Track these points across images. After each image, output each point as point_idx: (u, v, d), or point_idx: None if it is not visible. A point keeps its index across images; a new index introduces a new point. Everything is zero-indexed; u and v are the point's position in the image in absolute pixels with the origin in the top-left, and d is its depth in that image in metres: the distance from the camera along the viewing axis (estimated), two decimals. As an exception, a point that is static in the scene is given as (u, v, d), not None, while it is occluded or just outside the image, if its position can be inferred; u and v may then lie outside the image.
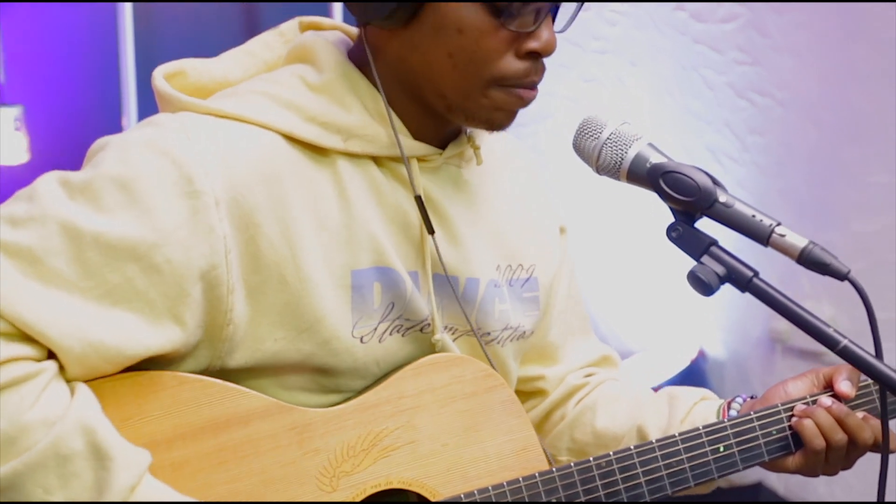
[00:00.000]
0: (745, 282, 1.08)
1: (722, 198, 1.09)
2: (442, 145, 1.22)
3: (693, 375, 3.07)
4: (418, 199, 1.17)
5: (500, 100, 1.15)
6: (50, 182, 1.04)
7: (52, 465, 0.96)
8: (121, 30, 3.02)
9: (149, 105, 3.07)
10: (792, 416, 1.26)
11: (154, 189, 1.04)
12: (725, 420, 1.26)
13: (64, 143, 3.08)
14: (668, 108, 3.14)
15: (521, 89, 1.15)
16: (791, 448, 1.26)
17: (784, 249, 1.06)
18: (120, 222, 1.02)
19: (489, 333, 1.28)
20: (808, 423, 1.24)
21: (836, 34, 2.71)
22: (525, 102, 1.16)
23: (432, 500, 1.16)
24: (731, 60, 2.96)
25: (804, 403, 1.27)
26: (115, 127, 3.07)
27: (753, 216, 1.08)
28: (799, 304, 1.07)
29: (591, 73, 3.26)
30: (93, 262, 1.01)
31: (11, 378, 0.98)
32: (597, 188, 3.18)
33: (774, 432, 1.26)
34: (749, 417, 1.26)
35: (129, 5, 3.02)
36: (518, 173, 1.37)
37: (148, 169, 1.04)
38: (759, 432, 1.25)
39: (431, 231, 1.18)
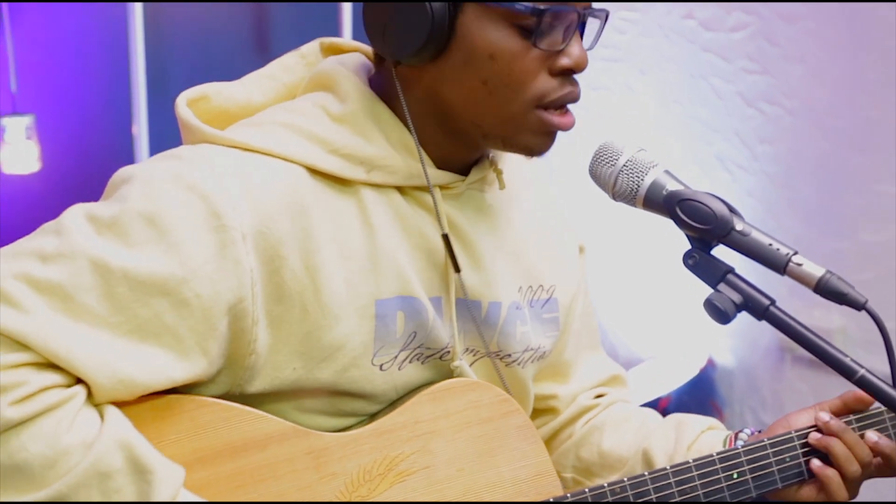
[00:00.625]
0: (761, 310, 1.08)
1: (738, 226, 1.09)
2: (465, 171, 1.22)
3: (702, 384, 3.07)
4: (445, 238, 1.18)
5: (539, 123, 1.14)
6: (77, 217, 1.05)
7: (95, 483, 0.98)
8: (131, 37, 3.03)
9: (159, 114, 3.09)
10: (806, 443, 1.26)
11: (182, 224, 1.04)
12: (740, 447, 1.26)
13: (75, 153, 3.09)
14: (677, 116, 3.14)
15: (558, 113, 1.15)
16: (805, 476, 1.26)
17: (801, 278, 1.07)
18: (148, 258, 1.03)
19: (510, 355, 1.29)
20: (835, 442, 1.24)
21: (846, 43, 2.71)
22: (565, 126, 1.16)
23: (447, 524, 1.17)
24: (740, 69, 2.96)
25: (817, 431, 1.27)
26: (126, 136, 3.08)
27: (770, 245, 1.08)
28: (816, 333, 1.08)
29: (599, 82, 3.26)
30: (123, 297, 1.02)
31: (47, 405, 0.99)
32: (606, 198, 3.18)
33: (788, 459, 1.26)
34: (762, 444, 1.26)
35: (139, 7, 3.03)
36: (537, 193, 1.38)
37: (175, 204, 1.05)
38: (772, 459, 1.26)
39: (458, 269, 1.19)
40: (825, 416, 1.26)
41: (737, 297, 1.09)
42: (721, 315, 1.08)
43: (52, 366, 1.00)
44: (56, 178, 3.02)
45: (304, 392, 1.15)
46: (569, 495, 1.19)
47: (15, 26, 2.96)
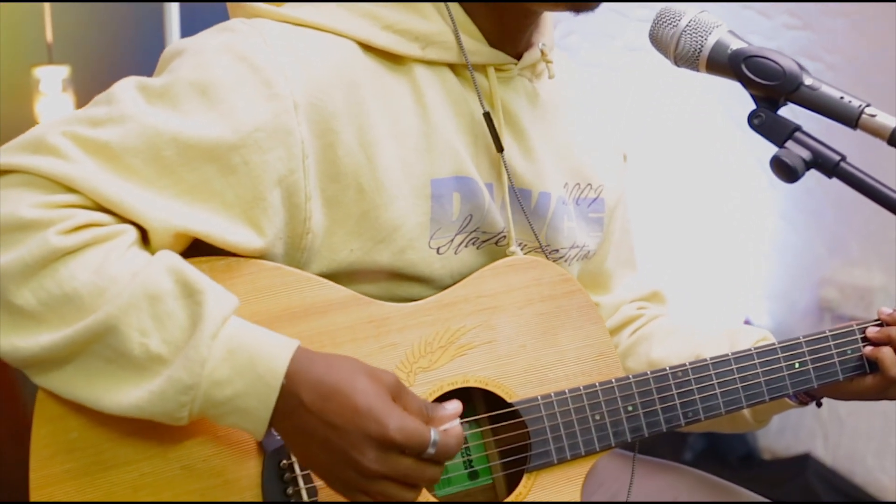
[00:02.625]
0: (832, 166, 1.05)
1: (807, 80, 1.06)
2: (517, 57, 1.21)
3: (738, 345, 3.03)
4: (486, 116, 1.16)
5: None
6: (128, 87, 1.04)
7: (145, 306, 0.95)
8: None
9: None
10: (865, 337, 1.25)
11: (233, 93, 1.03)
12: (801, 337, 1.24)
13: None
14: (715, 75, 3.11)
15: None
16: (866, 369, 1.25)
17: (874, 130, 1.04)
18: (198, 123, 1.01)
19: (557, 251, 1.27)
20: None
21: (889, -4, 2.68)
22: None
23: (509, 400, 1.14)
24: (781, 25, 2.93)
25: (877, 325, 1.25)
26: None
27: (842, 98, 1.05)
28: (892, 188, 1.04)
29: (636, 42, 3.23)
30: (170, 161, 1.01)
31: (96, 236, 0.97)
32: (642, 159, 3.15)
33: (849, 352, 1.25)
34: (824, 335, 1.25)
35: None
36: (587, 95, 1.37)
37: (226, 74, 1.03)
38: (833, 351, 1.24)
39: (500, 149, 1.17)
40: (888, 309, 1.25)
41: (806, 154, 1.05)
42: (789, 172, 1.05)
43: (102, 209, 0.99)
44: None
45: (362, 275, 1.12)
46: (631, 377, 1.17)
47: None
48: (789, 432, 3.02)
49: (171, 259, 0.99)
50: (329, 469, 0.98)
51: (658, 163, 3.14)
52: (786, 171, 1.05)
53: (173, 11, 3.00)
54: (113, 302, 0.95)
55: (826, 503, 2.78)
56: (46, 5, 2.90)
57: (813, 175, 2.99)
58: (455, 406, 1.01)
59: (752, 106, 1.09)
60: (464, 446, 1.20)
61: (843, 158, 1.05)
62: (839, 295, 2.87)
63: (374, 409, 0.95)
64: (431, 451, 0.96)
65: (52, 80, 2.91)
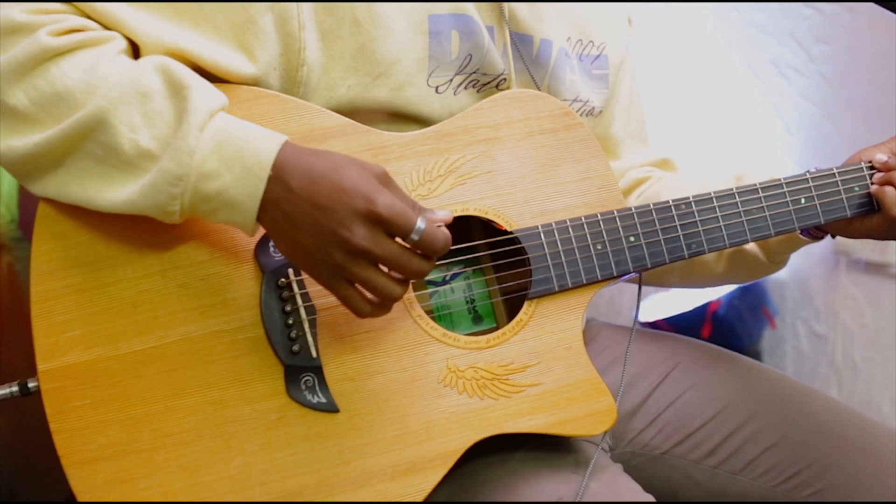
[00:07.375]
0: None
1: None
2: None
3: (752, 293, 3.00)
4: None
5: None
6: None
7: (135, 102, 0.96)
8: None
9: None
10: (874, 173, 1.23)
11: None
12: (807, 173, 1.23)
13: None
14: (732, 22, 3.09)
15: None
16: (874, 206, 1.24)
17: None
18: None
19: None
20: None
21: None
22: None
23: (508, 229, 1.14)
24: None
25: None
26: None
27: None
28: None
29: (650, -7, 3.23)
30: None
31: (87, 39, 0.98)
32: (657, 108, 3.14)
33: (857, 188, 1.23)
34: (830, 172, 1.24)
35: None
36: None
37: None
38: (840, 187, 1.23)
39: None
40: (883, 156, 1.23)
41: None
42: None
43: (90, 18, 1.00)
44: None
45: (361, 115, 1.13)
46: (633, 208, 1.16)
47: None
48: (803, 380, 2.99)
49: (160, 58, 1.00)
50: (315, 256, 0.97)
51: (672, 111, 3.13)
52: None
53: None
54: (104, 97, 0.96)
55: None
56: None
57: (830, 121, 2.98)
58: (446, 213, 1.00)
59: (769, 52, 1.07)
60: (467, 294, 1.20)
61: None
62: (856, 240, 2.84)
63: (361, 188, 0.95)
64: (415, 237, 0.96)
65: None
